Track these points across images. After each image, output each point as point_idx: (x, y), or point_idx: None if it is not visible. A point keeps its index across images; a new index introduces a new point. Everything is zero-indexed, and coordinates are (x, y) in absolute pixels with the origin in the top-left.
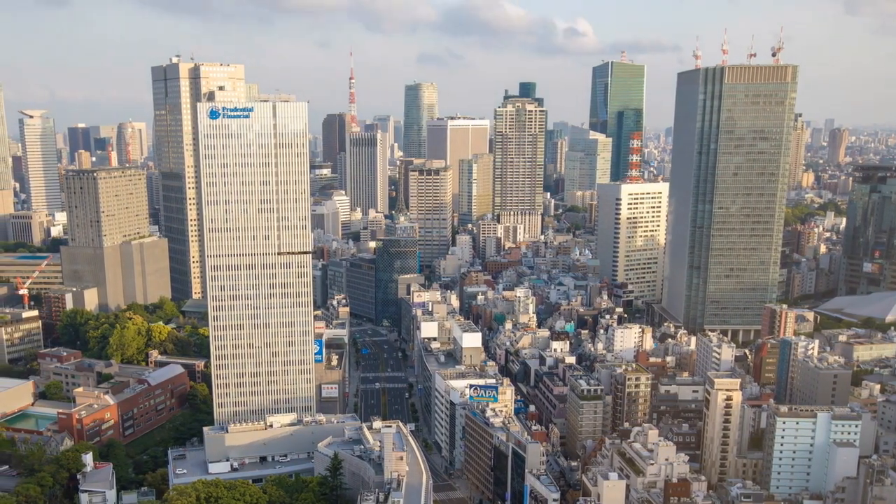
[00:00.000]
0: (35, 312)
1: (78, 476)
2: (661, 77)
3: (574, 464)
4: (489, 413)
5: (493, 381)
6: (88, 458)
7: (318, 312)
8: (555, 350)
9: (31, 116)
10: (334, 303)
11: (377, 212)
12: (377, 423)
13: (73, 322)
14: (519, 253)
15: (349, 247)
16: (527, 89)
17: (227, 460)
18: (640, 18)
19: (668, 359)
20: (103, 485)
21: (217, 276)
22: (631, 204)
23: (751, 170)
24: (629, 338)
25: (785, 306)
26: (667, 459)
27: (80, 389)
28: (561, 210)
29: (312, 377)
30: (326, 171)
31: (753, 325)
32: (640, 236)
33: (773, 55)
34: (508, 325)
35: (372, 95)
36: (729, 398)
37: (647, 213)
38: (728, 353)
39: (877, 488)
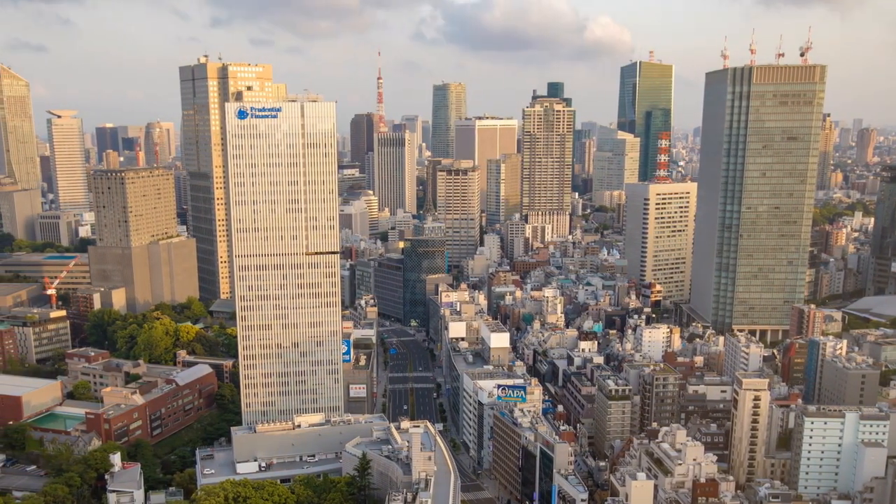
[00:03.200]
0: (63, 312)
1: (106, 476)
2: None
3: (602, 464)
4: (517, 413)
5: (521, 381)
6: (116, 458)
7: (346, 312)
8: (583, 350)
9: (59, 116)
10: (362, 303)
11: (405, 212)
12: (405, 423)
13: (101, 322)
14: (547, 253)
15: (377, 247)
16: (555, 89)
17: (255, 460)
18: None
19: (697, 359)
20: (131, 485)
21: (245, 276)
22: (659, 204)
23: (779, 170)
24: (657, 338)
25: (813, 306)
26: (695, 459)
27: (107, 389)
28: (589, 210)
29: (340, 377)
30: (354, 172)
31: (781, 325)
32: (668, 236)
33: (802, 55)
34: (536, 325)
35: (400, 95)
36: (757, 398)
37: (675, 213)
38: (756, 353)
39: None
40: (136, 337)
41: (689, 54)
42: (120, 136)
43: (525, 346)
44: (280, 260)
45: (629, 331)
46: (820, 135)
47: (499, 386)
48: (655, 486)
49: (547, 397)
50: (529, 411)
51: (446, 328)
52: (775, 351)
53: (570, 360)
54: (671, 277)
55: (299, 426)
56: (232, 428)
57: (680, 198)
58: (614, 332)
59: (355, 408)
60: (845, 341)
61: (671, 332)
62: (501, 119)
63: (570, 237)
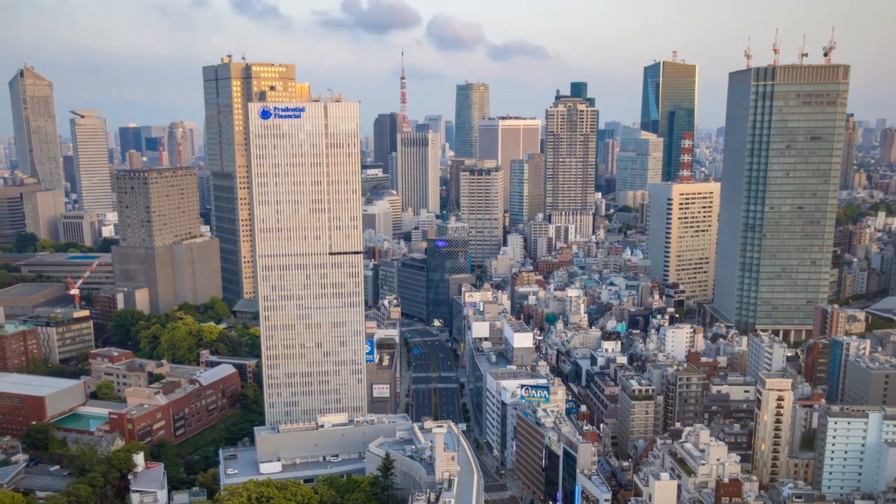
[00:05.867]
0: (86, 312)
1: (129, 476)
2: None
3: (625, 464)
4: (540, 413)
5: (545, 381)
6: (139, 458)
7: (370, 312)
8: (606, 350)
9: (83, 116)
10: (386, 303)
11: (428, 212)
12: (428, 423)
13: (124, 322)
14: (570, 253)
15: (400, 247)
16: (578, 89)
17: (279, 460)
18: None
19: (720, 359)
20: (154, 485)
21: (268, 276)
22: (682, 204)
23: (802, 170)
24: (680, 338)
25: (836, 306)
26: (718, 459)
27: (131, 389)
28: (612, 210)
29: (364, 377)
30: (378, 172)
31: (805, 325)
32: (692, 236)
33: (825, 55)
34: (560, 325)
35: (423, 95)
36: (780, 398)
37: (699, 213)
38: (779, 353)
39: None
40: (160, 337)
41: (713, 54)
42: (143, 136)
43: (548, 346)
44: (303, 260)
45: (652, 331)
46: (843, 135)
47: (522, 386)
48: (679, 486)
49: (570, 397)
50: (553, 411)
51: (469, 328)
52: (799, 351)
53: (593, 360)
54: (694, 277)
55: (322, 426)
56: (255, 428)
57: (703, 198)
58: (637, 332)
59: (378, 408)
60: (868, 341)
61: (694, 332)
62: (525, 119)
63: (593, 237)
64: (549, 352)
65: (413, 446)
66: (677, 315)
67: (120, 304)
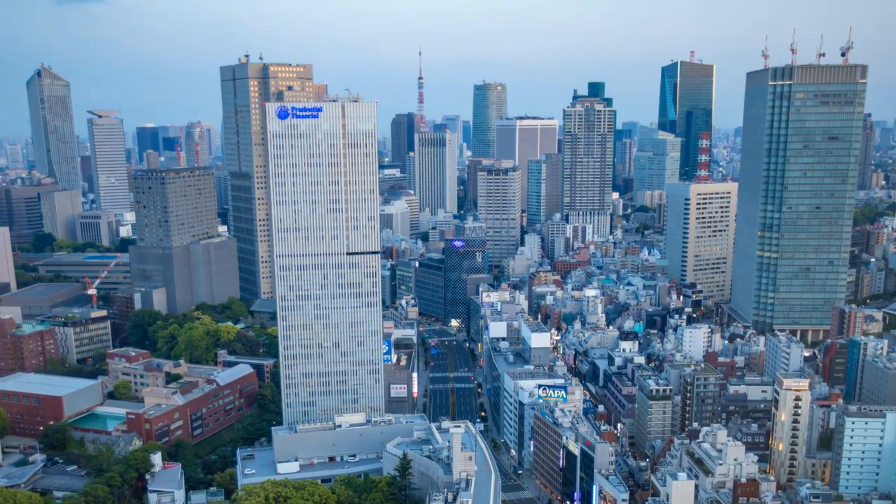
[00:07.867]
0: (104, 312)
1: (146, 476)
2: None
3: (643, 464)
4: (558, 413)
5: (562, 380)
6: (157, 458)
7: (387, 312)
8: (624, 350)
9: (100, 116)
10: (403, 303)
11: (446, 212)
12: (446, 423)
13: (142, 322)
14: (587, 253)
15: (418, 247)
16: (596, 89)
17: (296, 460)
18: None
19: (737, 359)
20: (172, 485)
21: (286, 276)
22: (700, 204)
23: (820, 170)
24: (698, 338)
25: (854, 306)
26: (736, 459)
27: (148, 389)
28: (630, 210)
29: (381, 377)
30: (395, 172)
31: (822, 325)
32: (709, 236)
33: (843, 55)
34: (577, 325)
35: (441, 95)
36: (798, 398)
37: (716, 213)
38: (797, 353)
39: None
40: (177, 337)
41: (731, 54)
42: (161, 136)
43: (566, 346)
44: (321, 260)
45: (670, 331)
46: (861, 135)
47: (540, 386)
48: (696, 486)
49: (588, 397)
50: (570, 411)
51: (487, 328)
52: (816, 351)
53: (610, 360)
54: (712, 277)
55: (340, 426)
56: (273, 428)
57: (721, 198)
58: (655, 332)
59: (396, 408)
60: (886, 341)
61: (712, 332)
62: (542, 119)
63: (610, 237)
64: (566, 352)
65: (430, 446)
66: (695, 315)
67: (137, 304)
